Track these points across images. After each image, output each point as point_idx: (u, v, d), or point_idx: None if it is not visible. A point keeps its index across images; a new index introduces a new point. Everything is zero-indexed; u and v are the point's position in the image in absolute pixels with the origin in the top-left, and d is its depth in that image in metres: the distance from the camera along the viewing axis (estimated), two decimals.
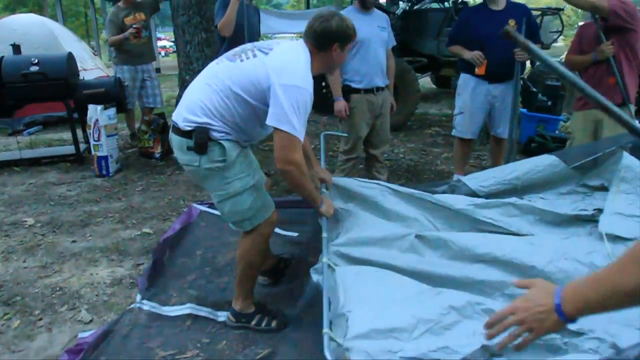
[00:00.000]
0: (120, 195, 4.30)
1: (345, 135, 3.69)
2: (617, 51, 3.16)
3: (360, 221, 2.34)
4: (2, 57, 4.92)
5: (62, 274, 2.96)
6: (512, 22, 3.55)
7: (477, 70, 3.60)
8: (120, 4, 5.40)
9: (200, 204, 3.57)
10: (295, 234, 3.23)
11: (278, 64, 1.97)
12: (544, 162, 2.65)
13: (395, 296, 1.71)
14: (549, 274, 1.86)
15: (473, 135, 3.89)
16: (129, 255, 3.17)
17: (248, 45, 2.16)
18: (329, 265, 1.95)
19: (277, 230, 2.81)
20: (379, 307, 1.62)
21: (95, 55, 9.50)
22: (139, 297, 2.58)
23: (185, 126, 2.03)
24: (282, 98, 1.90)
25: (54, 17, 23.88)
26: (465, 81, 3.79)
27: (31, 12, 29.36)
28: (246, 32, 3.66)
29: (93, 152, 4.76)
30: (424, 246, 2.19)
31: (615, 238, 2.06)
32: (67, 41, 7.77)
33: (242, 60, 2.04)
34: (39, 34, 7.30)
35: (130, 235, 3.46)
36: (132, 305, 2.52)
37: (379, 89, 3.65)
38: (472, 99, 3.73)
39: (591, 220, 2.30)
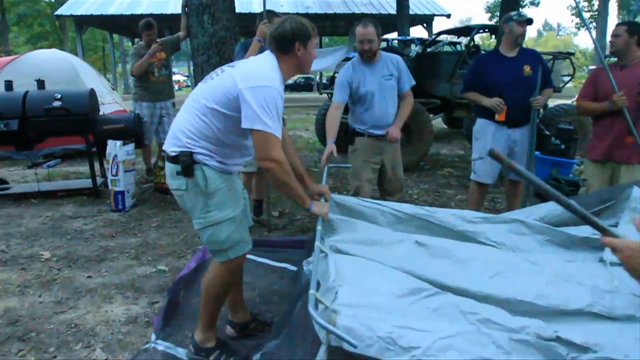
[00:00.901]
0: (136, 230, 4.32)
1: (349, 166, 3.64)
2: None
3: (357, 226, 2.33)
4: (27, 91, 5.06)
5: (78, 310, 2.95)
6: (527, 68, 3.63)
7: (497, 117, 3.63)
8: (142, 42, 5.57)
9: None
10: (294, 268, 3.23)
11: (243, 71, 2.08)
12: (561, 206, 2.64)
13: (387, 288, 1.66)
14: (548, 294, 1.79)
15: (493, 180, 3.90)
16: (144, 292, 3.17)
17: (218, 68, 2.28)
18: (321, 250, 1.90)
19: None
20: (369, 292, 1.59)
21: (113, 89, 9.72)
22: (153, 336, 2.57)
23: (171, 152, 2.14)
24: (251, 100, 1.98)
25: (73, 51, 24.60)
26: (484, 126, 3.81)
27: (51, 46, 30.32)
28: None
29: (110, 187, 4.82)
30: (422, 253, 2.14)
31: (621, 266, 2.02)
32: (88, 76, 7.99)
33: (212, 79, 2.18)
34: (61, 69, 7.51)
35: (146, 272, 3.46)
36: (147, 345, 2.51)
37: (382, 136, 3.55)
38: (492, 144, 3.73)
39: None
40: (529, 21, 3.65)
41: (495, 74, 3.64)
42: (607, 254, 2.06)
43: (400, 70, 3.55)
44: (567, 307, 1.74)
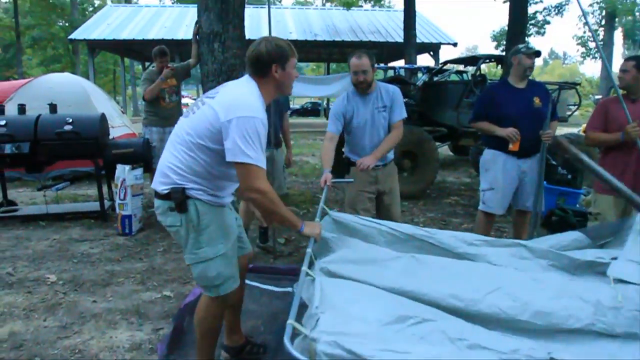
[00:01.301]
0: (142, 255, 4.33)
1: (352, 181, 3.55)
2: None
3: (353, 244, 2.31)
4: (39, 115, 5.15)
5: (82, 336, 2.95)
6: (537, 100, 3.67)
7: (511, 147, 3.65)
8: (154, 68, 5.67)
9: None
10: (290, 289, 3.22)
11: (223, 103, 2.05)
12: (569, 238, 2.61)
13: (373, 315, 1.63)
14: (549, 311, 1.76)
15: (504, 211, 3.90)
16: (149, 319, 3.16)
17: (198, 99, 2.28)
18: (307, 274, 1.88)
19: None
20: (352, 319, 1.57)
21: (123, 113, 9.86)
22: None
23: (162, 190, 2.13)
24: (232, 133, 1.96)
25: (85, 74, 25.01)
26: (494, 157, 3.82)
27: (64, 68, 30.86)
28: (272, 104, 3.76)
29: (118, 211, 4.85)
30: (418, 267, 2.11)
31: (626, 283, 1.96)
32: (98, 100, 8.12)
33: (194, 113, 2.15)
34: (73, 92, 7.65)
35: (151, 298, 3.46)
36: None
37: (377, 166, 3.51)
38: (503, 175, 3.76)
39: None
40: (537, 53, 3.70)
41: (507, 105, 3.68)
42: (612, 270, 2.04)
43: (393, 101, 3.50)
44: (567, 326, 1.72)
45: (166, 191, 2.11)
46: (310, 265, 2.02)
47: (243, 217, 4.37)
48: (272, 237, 4.41)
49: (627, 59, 3.52)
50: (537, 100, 3.67)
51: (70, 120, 5.05)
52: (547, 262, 2.26)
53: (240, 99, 2.06)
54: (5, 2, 29.67)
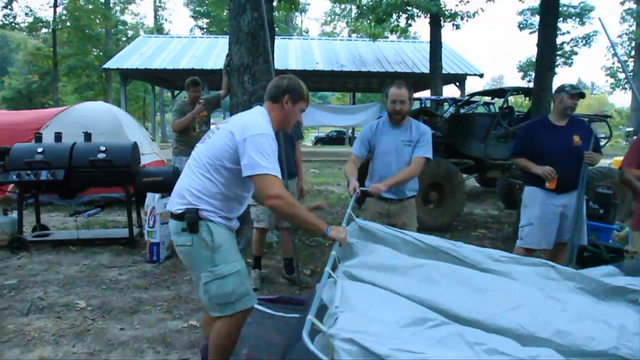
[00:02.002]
0: (169, 283, 4.37)
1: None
2: None
3: (377, 250, 2.30)
4: (74, 143, 5.32)
5: None
6: (577, 138, 3.67)
7: (547, 185, 3.67)
8: (186, 99, 5.82)
9: None
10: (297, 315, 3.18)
11: (238, 124, 2.26)
12: (602, 270, 2.56)
13: (391, 317, 1.61)
14: (570, 332, 1.69)
15: (548, 246, 3.88)
16: (175, 348, 3.17)
17: (213, 127, 2.48)
18: (330, 275, 1.87)
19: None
20: (371, 320, 1.55)
21: (152, 140, 10.09)
22: None
23: (177, 210, 2.27)
24: (248, 149, 2.15)
25: (116, 100, 25.80)
26: (532, 193, 3.85)
27: (97, 95, 31.88)
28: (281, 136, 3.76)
29: (146, 238, 4.93)
30: (440, 278, 2.07)
31: None
32: (130, 128, 8.34)
33: (209, 137, 2.36)
34: (106, 121, 7.89)
35: (177, 327, 3.47)
36: None
37: (392, 200, 3.54)
38: (542, 211, 3.77)
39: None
40: (581, 95, 3.71)
41: (546, 142, 3.69)
42: None
43: (421, 138, 3.50)
44: (589, 348, 1.66)
45: (180, 211, 2.25)
46: (334, 268, 2.02)
47: (255, 246, 4.39)
48: (297, 269, 4.40)
49: None
50: (577, 138, 3.67)
51: (104, 149, 5.20)
52: (575, 285, 2.18)
53: (251, 120, 2.30)
54: (45, 33, 30.96)
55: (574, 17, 30.62)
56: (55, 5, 28.33)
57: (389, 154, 3.50)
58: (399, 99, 3.42)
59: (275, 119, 2.39)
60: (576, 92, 3.67)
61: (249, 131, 2.18)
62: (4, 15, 26.78)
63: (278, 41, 17.75)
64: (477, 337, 1.56)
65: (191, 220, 2.22)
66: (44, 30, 30.11)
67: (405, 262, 2.21)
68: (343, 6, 36.46)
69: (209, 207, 2.25)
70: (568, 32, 30.80)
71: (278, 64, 13.56)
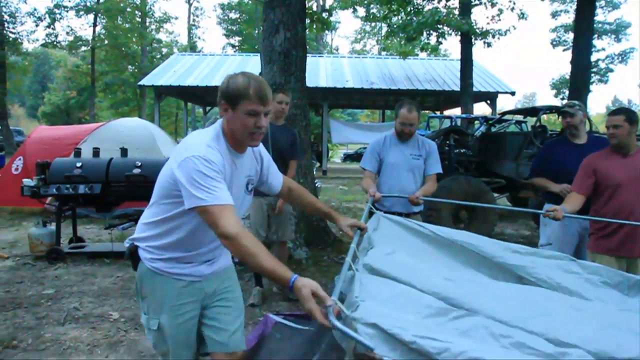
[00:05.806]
0: None
1: (404, 197, 3.53)
2: None
3: (397, 243, 2.29)
4: (111, 158, 5.49)
5: None
6: None
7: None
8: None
9: (276, 315, 3.58)
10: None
11: (175, 150, 1.87)
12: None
13: (413, 309, 1.59)
14: (597, 339, 1.60)
15: None
16: None
17: None
18: (350, 267, 1.83)
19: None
20: (392, 310, 1.53)
21: None
22: None
23: (126, 242, 2.06)
24: (180, 179, 1.73)
25: (150, 116, 26.44)
26: None
27: (131, 111, 32.81)
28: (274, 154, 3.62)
29: None
30: (461, 278, 2.03)
31: None
32: (163, 143, 8.55)
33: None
34: (141, 136, 8.11)
35: None
36: None
37: (400, 214, 3.46)
38: (562, 231, 3.69)
39: None
40: (562, 114, 3.78)
41: (563, 161, 3.65)
42: None
43: (429, 153, 3.72)
44: (617, 355, 1.58)
45: (127, 244, 2.03)
46: (354, 259, 1.98)
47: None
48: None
49: (613, 113, 3.20)
50: None
51: (139, 164, 5.35)
52: (599, 279, 2.09)
53: (186, 142, 1.87)
54: (83, 51, 32.17)
55: (609, 34, 30.11)
56: (94, 25, 29.54)
57: (398, 167, 3.67)
58: (409, 122, 3.60)
59: (228, 133, 1.87)
60: (561, 111, 3.76)
61: (179, 156, 1.76)
62: (47, 35, 27.94)
63: (309, 59, 17.88)
64: (503, 330, 1.53)
65: (128, 257, 2.00)
66: (83, 48, 31.34)
67: (427, 257, 2.20)
68: (373, 24, 36.79)
69: (148, 246, 1.94)
70: (603, 49, 30.28)
71: (309, 82, 13.75)
